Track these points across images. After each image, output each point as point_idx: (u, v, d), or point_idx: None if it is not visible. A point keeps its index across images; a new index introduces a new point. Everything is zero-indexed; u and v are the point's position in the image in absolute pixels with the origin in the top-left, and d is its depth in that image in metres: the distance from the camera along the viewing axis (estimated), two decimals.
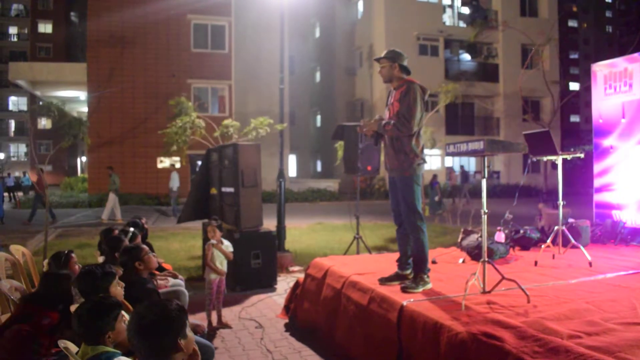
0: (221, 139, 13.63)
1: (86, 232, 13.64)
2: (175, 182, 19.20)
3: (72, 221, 17.02)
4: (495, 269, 4.12)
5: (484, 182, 4.14)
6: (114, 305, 2.76)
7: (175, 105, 14.01)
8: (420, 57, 30.64)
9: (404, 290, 4.23)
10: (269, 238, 7.54)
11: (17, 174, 42.96)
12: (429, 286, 4.37)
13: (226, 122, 12.92)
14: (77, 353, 2.61)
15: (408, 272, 4.60)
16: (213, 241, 5.59)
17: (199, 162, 9.57)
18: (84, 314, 2.68)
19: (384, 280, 4.52)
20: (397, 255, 4.80)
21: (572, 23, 65.99)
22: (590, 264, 5.14)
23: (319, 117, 38.71)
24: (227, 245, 5.74)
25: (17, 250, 5.63)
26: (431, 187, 19.39)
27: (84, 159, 43.26)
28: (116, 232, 5.37)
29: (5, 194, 25.67)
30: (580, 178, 21.81)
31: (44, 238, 8.79)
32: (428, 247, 4.51)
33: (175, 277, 5.53)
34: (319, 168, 38.55)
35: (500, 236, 5.93)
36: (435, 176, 19.70)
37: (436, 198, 19.44)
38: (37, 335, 3.22)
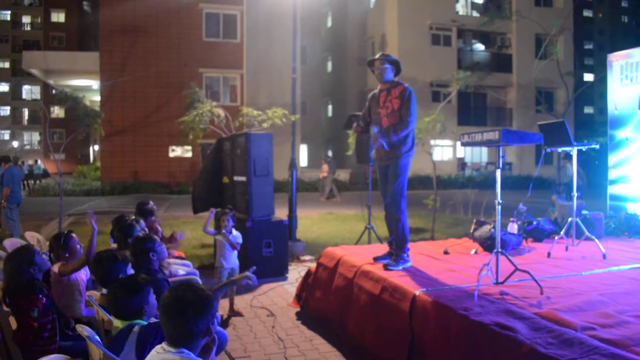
0: (236, 129, 13.55)
1: (99, 220, 13.69)
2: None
3: (85, 209, 17.15)
4: (509, 259, 4.09)
5: (498, 173, 4.12)
6: (147, 283, 2.86)
7: (189, 95, 13.93)
8: (433, 47, 30.34)
9: (386, 268, 4.62)
10: (281, 227, 7.56)
11: (30, 162, 43.31)
12: (409, 264, 4.78)
13: (245, 110, 12.80)
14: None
15: None
16: (223, 231, 5.65)
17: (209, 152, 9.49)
18: (118, 291, 2.79)
19: (377, 258, 4.93)
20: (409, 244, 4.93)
21: (587, 13, 65.15)
22: (604, 256, 5.11)
23: (330, 107, 38.61)
24: (237, 236, 5.77)
25: (32, 237, 5.71)
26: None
27: (96, 147, 43.49)
28: (128, 220, 5.42)
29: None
30: (593, 170, 21.51)
31: (58, 225, 8.88)
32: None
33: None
34: None
35: (513, 227, 5.91)
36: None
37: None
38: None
